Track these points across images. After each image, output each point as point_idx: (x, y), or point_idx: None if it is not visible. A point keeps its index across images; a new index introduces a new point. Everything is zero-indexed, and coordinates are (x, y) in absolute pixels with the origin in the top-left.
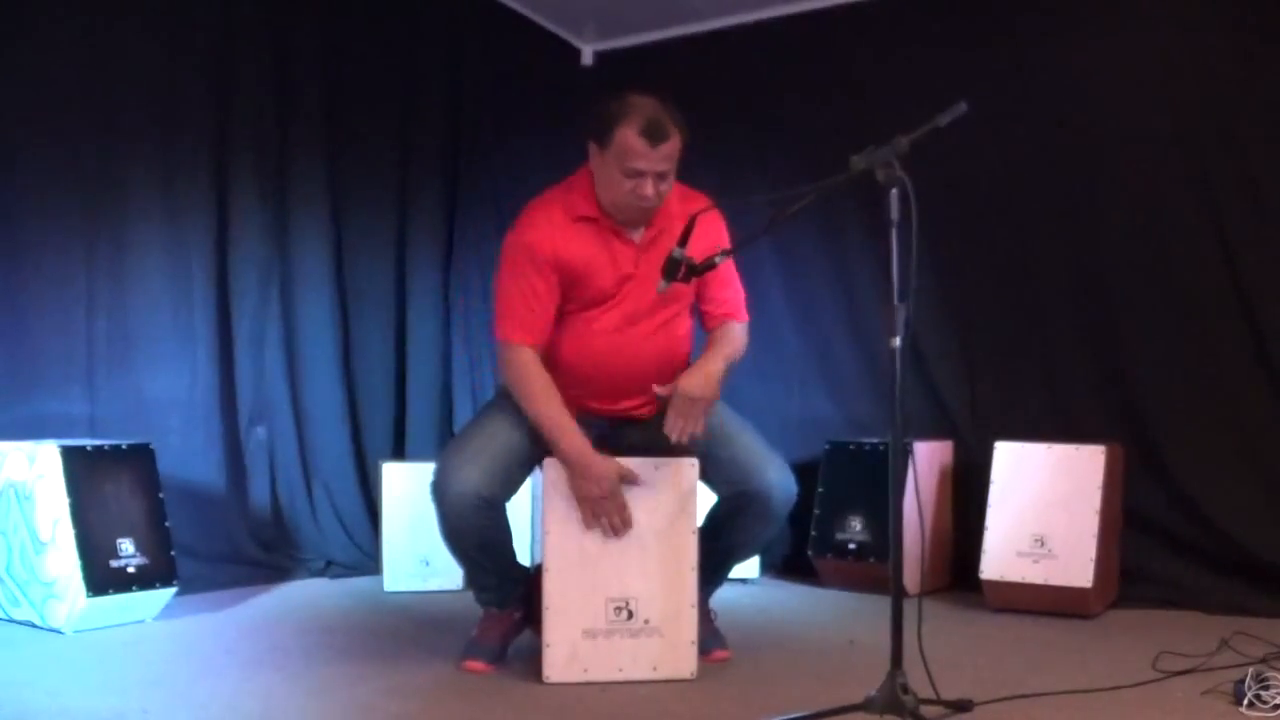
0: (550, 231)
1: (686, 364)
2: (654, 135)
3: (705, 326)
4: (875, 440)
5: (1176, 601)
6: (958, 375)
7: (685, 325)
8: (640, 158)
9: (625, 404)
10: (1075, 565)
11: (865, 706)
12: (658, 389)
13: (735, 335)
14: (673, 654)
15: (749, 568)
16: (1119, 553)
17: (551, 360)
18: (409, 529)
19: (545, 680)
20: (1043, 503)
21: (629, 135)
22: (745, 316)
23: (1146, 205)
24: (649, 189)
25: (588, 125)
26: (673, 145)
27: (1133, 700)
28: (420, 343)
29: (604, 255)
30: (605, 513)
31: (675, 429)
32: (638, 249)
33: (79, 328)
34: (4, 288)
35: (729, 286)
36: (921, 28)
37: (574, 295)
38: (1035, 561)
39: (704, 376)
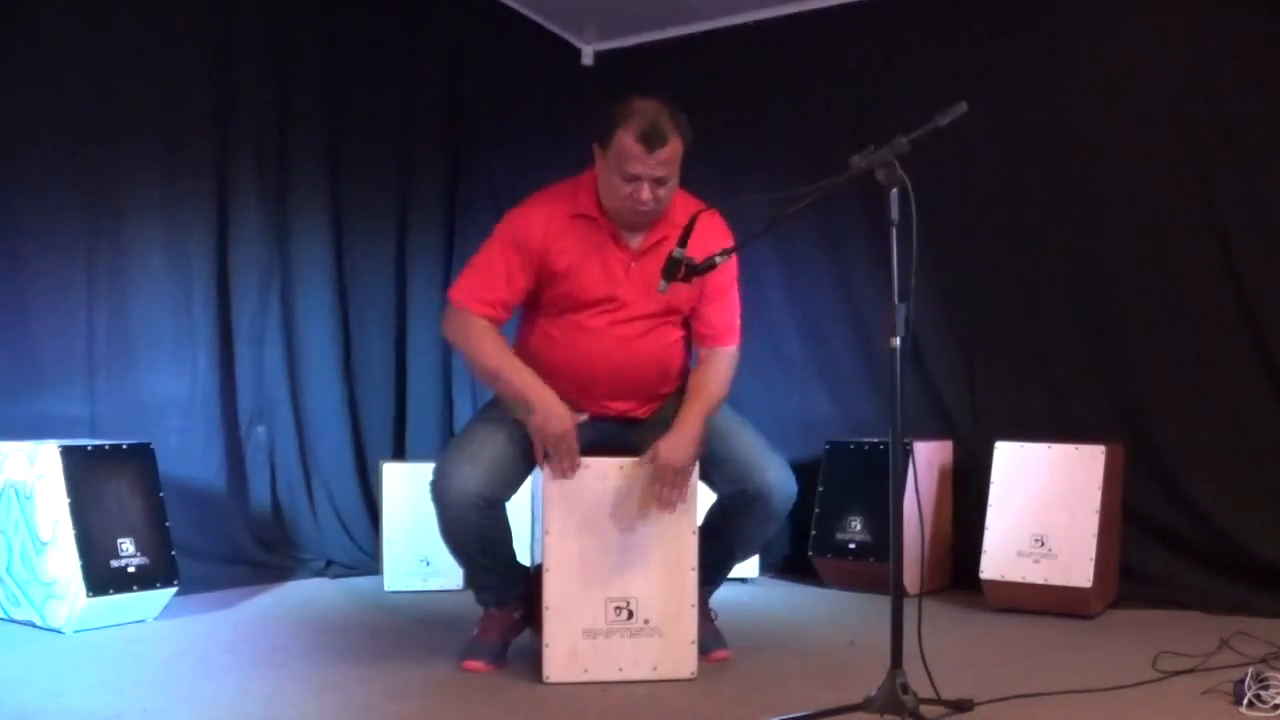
0: (545, 223)
1: (683, 371)
2: (651, 140)
3: (695, 344)
4: (875, 440)
5: (1176, 601)
6: (958, 375)
7: (681, 330)
8: (636, 162)
9: (621, 406)
10: (1075, 565)
11: (865, 706)
12: (638, 461)
13: (719, 373)
14: (673, 654)
15: (749, 568)
16: (1119, 553)
17: (547, 362)
18: (409, 529)
19: (545, 680)
20: (1043, 503)
21: (626, 139)
22: (735, 340)
23: (1146, 205)
24: (645, 194)
25: (594, 126)
26: (671, 151)
27: (1133, 700)
28: (420, 343)
29: (595, 258)
30: (560, 454)
31: (660, 500)
32: (633, 254)
33: (79, 328)
34: (4, 288)
35: (724, 305)
36: (921, 27)
37: (562, 295)
38: (1035, 561)
39: (682, 442)
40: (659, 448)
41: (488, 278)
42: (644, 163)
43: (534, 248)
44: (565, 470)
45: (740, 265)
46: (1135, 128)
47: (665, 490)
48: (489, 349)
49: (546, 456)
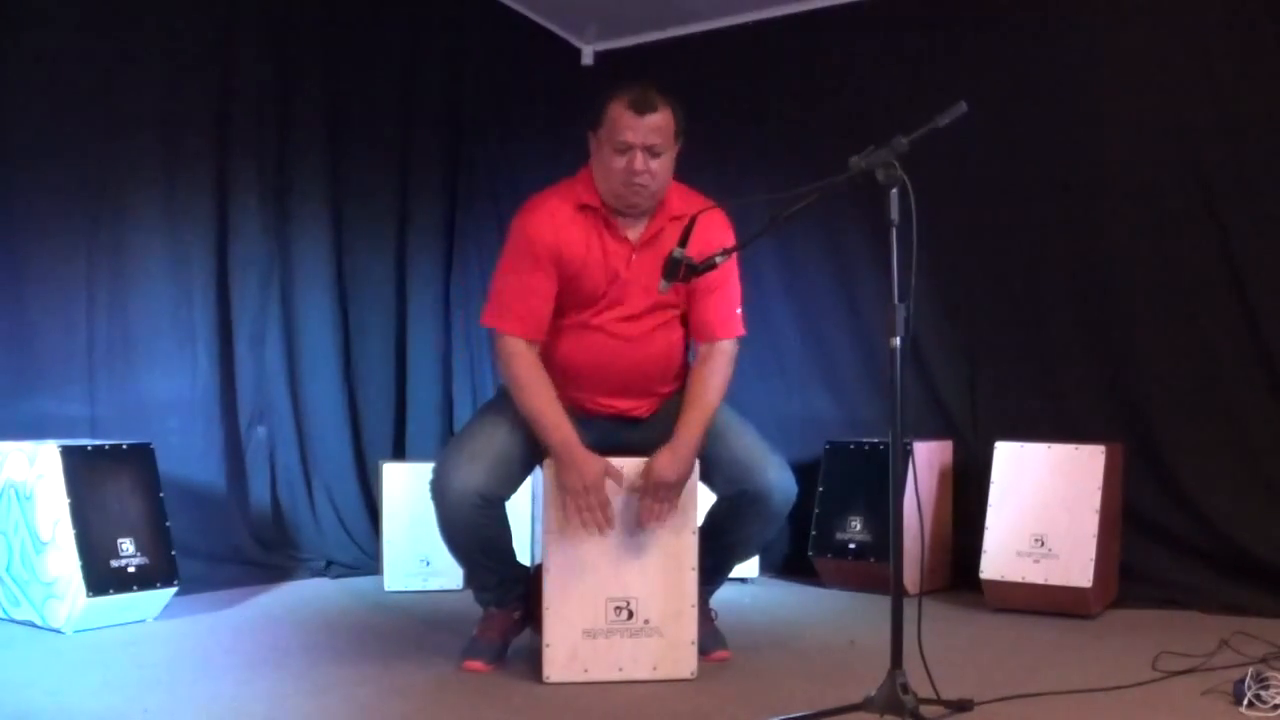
0: (553, 223)
1: (683, 369)
2: (640, 106)
3: (693, 338)
4: (875, 440)
5: (1176, 601)
6: (958, 375)
7: (682, 328)
8: (628, 129)
9: (622, 404)
10: (1075, 565)
11: (865, 706)
12: (636, 464)
13: (714, 377)
14: (673, 654)
15: (749, 568)
16: (1119, 553)
17: (547, 359)
18: (409, 529)
19: (545, 680)
20: (1043, 503)
21: (617, 108)
22: (735, 332)
23: (1147, 205)
24: (639, 163)
25: (586, 119)
26: (662, 118)
27: (1133, 700)
28: (420, 343)
29: (598, 251)
30: (587, 507)
31: (649, 514)
32: (633, 248)
33: (79, 328)
34: (5, 288)
35: (719, 297)
36: (921, 27)
37: (569, 292)
38: (1035, 561)
39: (678, 459)
40: (654, 464)
41: (516, 293)
42: (635, 129)
43: (548, 246)
44: (596, 524)
45: (740, 265)
46: (1135, 127)
47: (656, 505)
48: (530, 391)
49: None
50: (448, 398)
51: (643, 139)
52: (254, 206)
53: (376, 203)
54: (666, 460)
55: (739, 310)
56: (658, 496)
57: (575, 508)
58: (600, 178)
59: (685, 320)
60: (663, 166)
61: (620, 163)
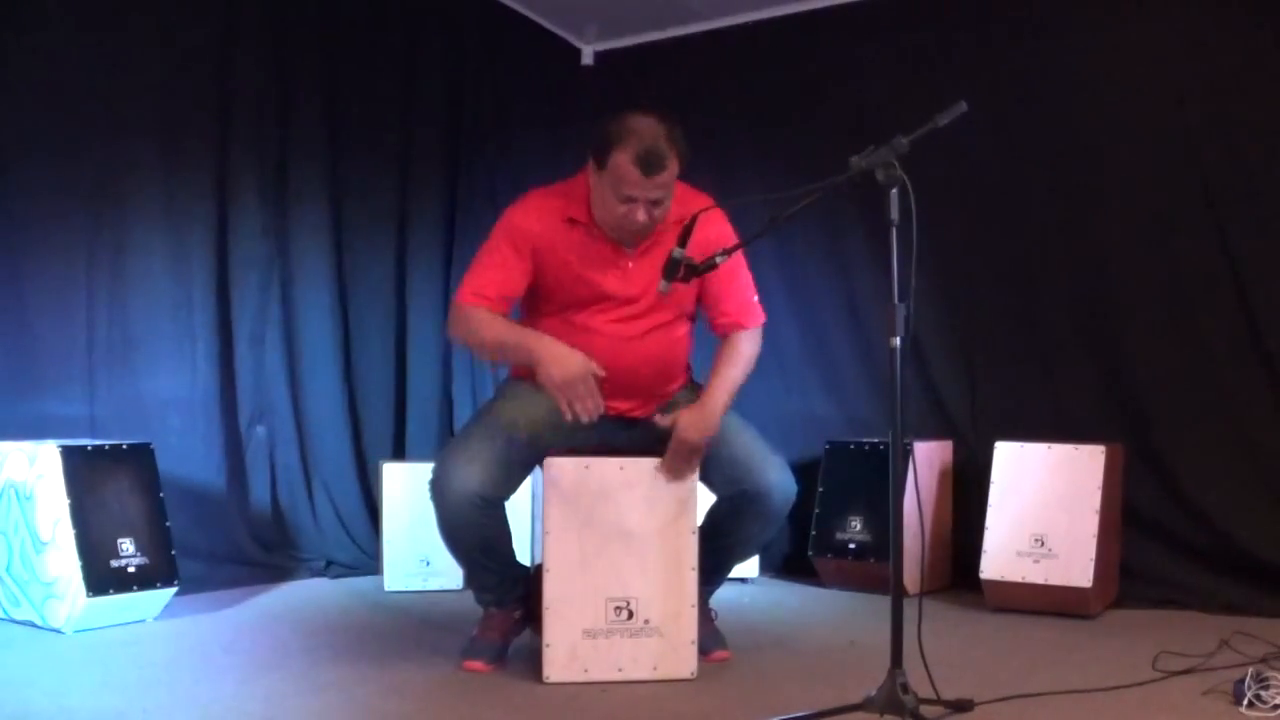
0: (540, 219)
1: (686, 368)
2: (649, 166)
3: (714, 333)
4: (875, 440)
5: (1176, 601)
6: (958, 375)
7: (683, 328)
8: (633, 186)
9: (622, 405)
10: (1075, 565)
11: (865, 706)
12: (659, 419)
13: (742, 351)
14: (673, 654)
15: (749, 568)
16: (1119, 553)
17: None
18: (409, 529)
19: (545, 680)
20: (1043, 503)
21: (624, 162)
22: (756, 320)
23: (1147, 205)
24: (640, 215)
25: (589, 139)
26: (669, 174)
27: (1133, 700)
28: (420, 343)
29: (595, 256)
30: (579, 396)
31: (672, 471)
32: (629, 252)
33: (79, 328)
34: (5, 288)
35: (735, 289)
36: (921, 28)
37: (562, 293)
38: (1035, 561)
39: (704, 418)
40: (681, 420)
41: (485, 274)
42: (641, 186)
43: (529, 240)
44: (589, 411)
45: None
46: (1135, 128)
47: (679, 464)
48: (488, 326)
49: (570, 410)
50: (448, 398)
51: (647, 194)
52: (254, 206)
53: (376, 203)
54: (691, 420)
55: (755, 298)
56: (680, 455)
57: (568, 399)
58: (597, 206)
59: (688, 321)
60: (664, 210)
61: (621, 209)
